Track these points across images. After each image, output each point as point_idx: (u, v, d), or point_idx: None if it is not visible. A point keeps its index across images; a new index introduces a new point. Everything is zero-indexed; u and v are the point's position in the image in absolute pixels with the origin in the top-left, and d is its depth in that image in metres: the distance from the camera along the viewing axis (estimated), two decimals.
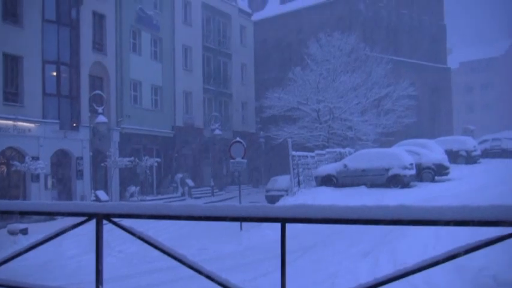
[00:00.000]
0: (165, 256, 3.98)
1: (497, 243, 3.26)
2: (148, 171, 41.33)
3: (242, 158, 24.60)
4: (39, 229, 21.13)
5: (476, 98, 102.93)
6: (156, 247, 4.03)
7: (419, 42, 64.68)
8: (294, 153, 30.06)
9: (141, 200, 37.63)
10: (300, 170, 30.57)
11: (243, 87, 58.79)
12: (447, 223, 3.37)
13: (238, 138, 26.54)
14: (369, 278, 3.52)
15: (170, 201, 38.00)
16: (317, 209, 3.66)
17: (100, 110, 33.19)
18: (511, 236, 3.23)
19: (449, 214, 3.33)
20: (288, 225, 3.72)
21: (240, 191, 25.70)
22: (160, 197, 42.06)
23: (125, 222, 4.24)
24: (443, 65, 69.34)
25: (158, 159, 42.31)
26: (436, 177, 31.43)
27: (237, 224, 19.78)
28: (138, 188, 39.20)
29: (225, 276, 3.84)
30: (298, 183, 29.89)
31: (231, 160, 24.91)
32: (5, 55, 31.45)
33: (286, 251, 3.75)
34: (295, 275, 10.15)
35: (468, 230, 3.20)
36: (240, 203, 24.03)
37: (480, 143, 46.99)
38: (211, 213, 3.95)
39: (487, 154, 45.44)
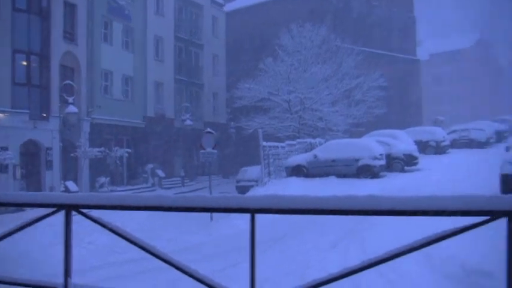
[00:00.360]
0: (135, 247, 3.96)
1: (464, 232, 3.29)
2: (118, 162, 41.15)
3: (213, 148, 24.61)
4: (6, 220, 20.93)
5: (445, 89, 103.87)
6: (125, 238, 3.98)
7: (390, 33, 65.11)
8: (264, 143, 30.12)
9: (111, 191, 37.46)
10: (271, 160, 30.65)
11: (214, 78, 58.69)
12: (414, 213, 3.36)
13: (209, 129, 26.52)
14: (339, 268, 3.52)
15: (140, 192, 37.93)
16: (286, 200, 3.63)
17: (70, 100, 32.93)
18: (477, 225, 3.24)
19: (417, 204, 3.33)
20: (258, 216, 3.69)
21: (210, 182, 25.71)
22: (130, 187, 41.87)
23: (94, 213, 4.21)
24: (413, 56, 69.89)
25: (129, 150, 42.14)
26: (406, 168, 31.71)
27: (207, 214, 19.77)
28: (108, 178, 39.00)
29: (194, 267, 3.84)
30: (269, 173, 29.97)
31: (202, 151, 24.89)
32: None
33: (256, 242, 3.72)
34: (265, 265, 10.17)
35: (436, 219, 3.23)
36: (210, 193, 24.04)
37: (449, 133, 47.58)
38: (181, 204, 3.92)
39: (455, 144, 46.00)
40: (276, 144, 32.79)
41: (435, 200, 3.31)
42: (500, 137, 51.02)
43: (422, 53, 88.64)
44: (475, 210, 3.24)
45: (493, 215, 3.22)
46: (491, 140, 48.44)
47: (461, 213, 3.24)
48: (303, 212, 3.60)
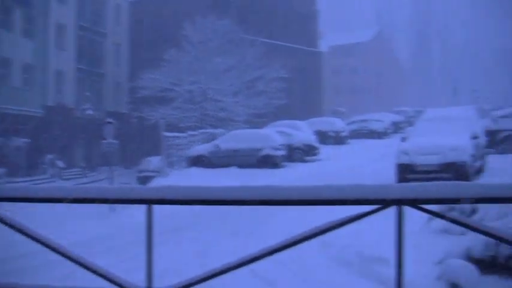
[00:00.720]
0: (30, 240, 3.92)
1: (358, 220, 3.41)
2: (16, 152, 40.08)
3: (114, 138, 24.37)
4: None
5: (345, 81, 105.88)
6: (20, 231, 3.87)
7: (292, 26, 65.82)
8: (166, 134, 30.05)
9: (8, 182, 36.46)
10: (173, 150, 30.61)
11: (117, 67, 57.92)
12: (309, 202, 3.51)
13: (110, 119, 26.23)
14: (239, 256, 3.59)
15: (39, 183, 37.07)
16: (184, 190, 3.67)
17: None
18: (369, 213, 3.38)
19: (312, 194, 3.46)
20: (159, 207, 3.67)
21: (111, 172, 25.45)
22: (29, 178, 40.80)
23: None
24: (314, 48, 71.00)
25: (27, 140, 41.10)
26: (306, 158, 32.27)
27: (107, 205, 19.58)
28: (4, 169, 37.94)
29: (92, 259, 3.84)
30: (171, 164, 29.94)
31: (103, 141, 24.62)
32: None
33: (154, 233, 3.72)
34: (166, 256, 10.24)
35: (334, 208, 3.39)
36: (111, 184, 23.81)
37: (348, 124, 48.76)
38: (78, 195, 3.86)
39: (355, 135, 47.09)
40: (178, 134, 32.78)
41: (329, 190, 3.43)
42: (397, 127, 52.50)
43: (324, 45, 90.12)
44: (367, 199, 3.38)
45: (385, 203, 3.37)
46: (389, 131, 49.87)
47: (355, 202, 3.39)
48: (200, 203, 3.69)
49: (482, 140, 23.48)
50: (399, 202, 3.34)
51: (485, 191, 3.39)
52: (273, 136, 29.98)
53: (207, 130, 36.92)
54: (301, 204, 3.54)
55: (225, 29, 45.42)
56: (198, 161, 29.72)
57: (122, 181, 36.73)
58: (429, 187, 3.39)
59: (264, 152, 28.97)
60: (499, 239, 3.56)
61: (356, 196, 3.38)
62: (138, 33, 62.06)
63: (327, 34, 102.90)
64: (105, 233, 16.52)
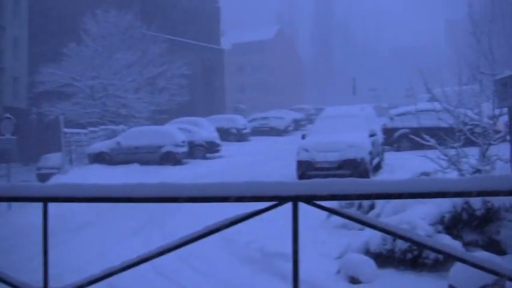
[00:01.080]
0: None
1: (254, 216, 3.45)
2: None
3: (12, 134, 23.84)
4: None
5: (247, 78, 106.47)
6: None
7: (195, 22, 65.71)
8: (66, 130, 29.58)
9: None
10: (73, 147, 30.12)
11: (15, 62, 56.18)
12: (210, 199, 3.48)
13: (7, 115, 25.62)
14: (141, 253, 3.56)
15: None
16: (81, 188, 3.58)
17: None
18: (265, 210, 3.43)
19: (209, 191, 3.47)
20: (63, 204, 3.67)
21: (9, 170, 24.86)
22: None
23: None
24: (217, 45, 71.15)
25: None
26: (208, 155, 32.45)
27: (4, 204, 19.15)
28: None
29: None
30: (71, 161, 29.50)
31: (1, 137, 24.04)
32: None
33: (48, 232, 3.61)
34: (65, 255, 10.22)
35: (236, 205, 3.51)
36: (8, 181, 23.27)
37: (250, 121, 49.35)
38: None
39: (256, 132, 47.63)
40: (78, 130, 32.29)
41: (226, 187, 3.48)
42: (298, 125, 53.53)
43: (227, 42, 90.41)
44: (263, 196, 3.42)
45: (281, 200, 3.43)
46: (290, 128, 50.79)
47: (252, 199, 3.41)
48: (98, 201, 3.61)
49: (380, 137, 24.30)
50: (295, 198, 3.41)
51: (379, 187, 3.51)
52: (174, 133, 30.01)
53: (108, 126, 36.51)
54: (198, 201, 3.54)
55: (127, 24, 44.95)
56: (99, 158, 29.42)
57: (20, 179, 35.82)
58: (324, 184, 3.46)
59: (166, 149, 28.98)
60: (392, 234, 3.71)
61: (253, 193, 3.44)
62: (38, 26, 60.49)
63: (229, 32, 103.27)
64: (2, 233, 16.12)
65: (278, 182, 3.51)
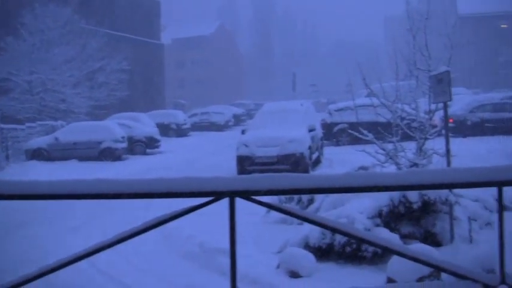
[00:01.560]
0: None
1: (192, 212, 3.46)
2: None
3: None
4: None
5: (187, 74, 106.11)
6: None
7: (135, 17, 65.14)
8: (2, 125, 29.05)
9: None
10: (10, 143, 29.58)
11: None
12: (148, 195, 3.55)
13: None
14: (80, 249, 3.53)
15: None
16: (18, 185, 3.50)
17: None
18: (202, 205, 3.44)
19: (150, 186, 3.48)
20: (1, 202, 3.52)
21: None
22: None
23: None
24: (157, 40, 70.69)
25: None
26: (148, 150, 32.27)
27: None
28: None
29: None
30: (7, 157, 28.94)
31: None
32: None
33: None
34: (5, 254, 10.07)
35: (178, 201, 3.48)
36: None
37: (190, 116, 49.36)
38: None
39: (196, 127, 47.66)
40: (15, 126, 31.72)
41: (163, 182, 3.48)
42: (238, 120, 53.77)
43: (167, 37, 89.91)
44: (201, 191, 3.45)
45: (218, 195, 3.45)
46: (230, 123, 51.02)
47: (189, 194, 3.42)
48: (35, 198, 3.63)
49: (319, 132, 24.55)
50: (231, 194, 3.43)
51: (316, 182, 3.58)
52: (114, 128, 29.72)
53: (47, 122, 35.95)
54: (138, 197, 3.57)
55: (66, 18, 44.28)
56: (37, 154, 28.93)
57: None
58: (261, 179, 3.50)
59: (105, 145, 28.68)
60: (329, 228, 3.79)
61: (190, 189, 3.44)
62: None
63: (170, 27, 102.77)
64: None
65: (215, 177, 3.53)
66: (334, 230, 3.96)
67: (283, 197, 11.15)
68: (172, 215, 3.49)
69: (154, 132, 33.45)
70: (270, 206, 3.68)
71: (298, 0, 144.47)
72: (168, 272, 9.19)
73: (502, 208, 3.61)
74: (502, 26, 74.42)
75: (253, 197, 3.49)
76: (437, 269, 4.36)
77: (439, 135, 11.00)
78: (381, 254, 8.12)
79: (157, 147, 32.99)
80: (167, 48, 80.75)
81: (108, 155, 28.60)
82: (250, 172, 18.99)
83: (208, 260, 9.44)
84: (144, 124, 34.02)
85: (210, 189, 3.47)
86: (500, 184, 3.53)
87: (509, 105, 30.41)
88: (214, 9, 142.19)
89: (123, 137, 29.39)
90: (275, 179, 3.51)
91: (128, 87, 47.91)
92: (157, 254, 10.14)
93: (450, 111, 12.78)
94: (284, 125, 20.88)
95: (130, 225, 3.60)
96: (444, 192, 8.77)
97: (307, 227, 8.82)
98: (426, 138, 10.47)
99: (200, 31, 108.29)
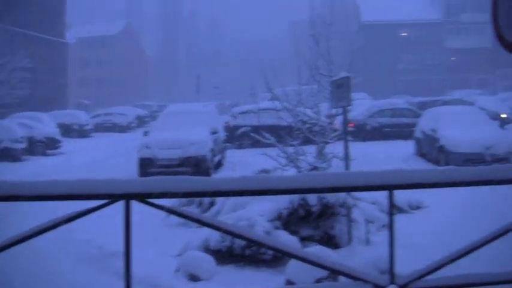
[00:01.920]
0: None
1: (87, 215, 3.45)
2: None
3: None
4: None
5: (91, 73, 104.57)
6: None
7: (39, 14, 63.58)
8: None
9: None
10: None
11: None
12: (44, 198, 3.51)
13: None
14: None
15: None
16: None
17: None
18: (97, 208, 3.45)
19: (45, 188, 3.44)
20: None
21: None
22: None
23: None
24: (61, 39, 69.24)
25: None
26: (48, 151, 31.54)
27: None
28: None
29: None
30: None
31: None
32: None
33: None
34: None
35: (77, 203, 3.40)
36: None
37: (93, 117, 48.66)
38: None
39: (99, 128, 46.99)
40: None
41: (59, 184, 3.44)
42: (141, 121, 53.24)
43: (72, 36, 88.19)
44: (96, 194, 3.42)
45: (113, 198, 3.44)
46: (133, 125, 50.53)
47: (85, 197, 3.42)
48: None
49: (222, 135, 24.63)
50: (127, 197, 3.42)
51: (214, 185, 3.63)
52: (13, 128, 28.89)
53: None
54: (32, 200, 3.51)
55: None
56: None
57: None
58: (157, 181, 3.51)
59: (3, 145, 27.82)
60: (224, 231, 3.82)
61: (85, 191, 3.41)
62: None
63: (75, 26, 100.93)
64: None
65: (111, 179, 3.54)
66: (230, 234, 3.99)
67: (183, 200, 11.11)
68: (66, 218, 3.44)
69: (55, 132, 32.70)
70: (165, 209, 3.67)
71: (204, 1, 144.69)
72: (65, 277, 8.94)
73: (392, 211, 3.73)
74: (402, 34, 76.81)
75: (149, 200, 3.46)
76: (331, 271, 4.44)
77: (340, 139, 11.20)
78: (280, 257, 8.21)
79: (58, 148, 32.28)
80: (72, 47, 79.25)
81: (7, 155, 27.71)
82: (152, 175, 18.79)
83: (107, 264, 9.26)
84: (45, 124, 33.22)
85: (105, 191, 3.44)
86: (391, 188, 3.64)
87: (407, 110, 31.59)
88: (121, 8, 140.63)
89: (22, 137, 28.60)
90: (172, 182, 3.52)
91: (30, 86, 46.81)
92: (55, 258, 9.85)
93: (351, 115, 13.07)
94: (187, 127, 20.80)
95: (25, 227, 3.53)
96: (342, 195, 8.96)
97: (207, 230, 8.80)
98: (326, 142, 10.65)
99: (106, 30, 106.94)
